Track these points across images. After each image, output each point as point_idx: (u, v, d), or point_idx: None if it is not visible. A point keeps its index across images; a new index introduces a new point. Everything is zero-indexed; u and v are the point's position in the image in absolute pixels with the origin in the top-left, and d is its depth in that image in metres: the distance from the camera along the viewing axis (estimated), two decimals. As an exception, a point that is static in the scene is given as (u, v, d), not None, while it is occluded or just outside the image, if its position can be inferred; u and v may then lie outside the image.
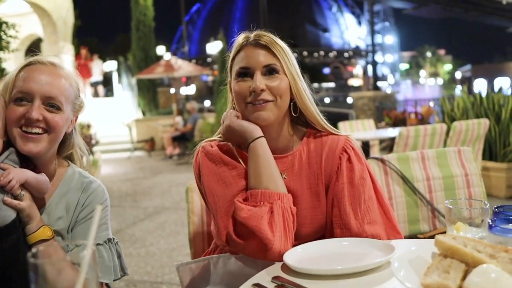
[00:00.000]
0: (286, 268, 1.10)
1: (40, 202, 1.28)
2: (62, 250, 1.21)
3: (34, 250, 0.63)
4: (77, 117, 1.40)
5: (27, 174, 1.22)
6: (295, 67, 1.39)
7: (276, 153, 1.39)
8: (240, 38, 1.41)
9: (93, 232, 0.64)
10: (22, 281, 1.19)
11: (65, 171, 1.38)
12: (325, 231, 1.40)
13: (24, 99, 1.24)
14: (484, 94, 6.31)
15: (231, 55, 1.43)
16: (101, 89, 17.73)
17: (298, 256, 1.15)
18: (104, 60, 17.16)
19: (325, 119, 1.45)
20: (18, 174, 1.20)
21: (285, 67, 1.36)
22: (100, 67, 17.38)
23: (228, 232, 1.28)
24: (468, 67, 52.84)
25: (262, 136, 1.34)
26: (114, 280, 1.35)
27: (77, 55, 14.45)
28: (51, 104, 1.25)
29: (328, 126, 1.44)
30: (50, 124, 1.25)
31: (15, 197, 1.19)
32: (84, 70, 14.80)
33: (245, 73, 1.36)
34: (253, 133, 1.34)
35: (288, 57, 1.38)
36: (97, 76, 16.99)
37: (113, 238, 1.37)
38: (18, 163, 1.24)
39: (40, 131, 1.24)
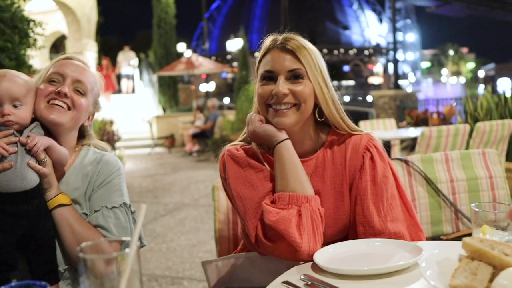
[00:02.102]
0: (316, 267, 1.13)
1: (58, 174, 1.40)
2: (81, 218, 1.37)
3: (83, 244, 0.67)
4: (93, 114, 1.55)
5: (51, 141, 1.35)
6: (322, 72, 1.39)
7: (301, 156, 1.40)
8: (268, 41, 1.42)
9: (138, 230, 0.67)
10: (44, 241, 1.32)
11: (81, 149, 1.52)
12: (348, 230, 1.41)
13: (57, 80, 1.41)
14: (508, 94, 6.21)
15: (259, 57, 1.45)
16: (127, 84, 17.10)
17: (328, 255, 1.18)
18: (122, 49, 16.91)
19: (351, 119, 1.46)
20: (43, 139, 1.33)
21: (309, 72, 1.36)
22: (130, 59, 16.84)
23: (257, 234, 1.30)
24: (491, 65, 51.82)
25: (287, 139, 1.36)
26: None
27: (99, 66, 14.40)
28: (78, 88, 1.42)
29: (351, 129, 1.44)
30: (75, 102, 1.41)
31: (39, 162, 1.31)
32: (106, 82, 14.55)
33: (270, 77, 1.38)
34: (278, 137, 1.36)
35: (315, 62, 1.38)
36: (126, 69, 16.67)
37: (130, 205, 1.47)
38: (43, 135, 1.37)
39: (65, 106, 1.39)
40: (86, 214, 1.41)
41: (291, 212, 1.25)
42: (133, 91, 17.44)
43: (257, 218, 1.32)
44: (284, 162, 1.33)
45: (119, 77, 16.92)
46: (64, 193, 1.37)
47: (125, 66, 16.54)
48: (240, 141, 1.52)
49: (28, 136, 1.31)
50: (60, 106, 1.38)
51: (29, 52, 4.64)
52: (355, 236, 1.36)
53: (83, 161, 1.47)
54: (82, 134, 1.55)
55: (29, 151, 1.30)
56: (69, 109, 1.40)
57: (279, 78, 1.35)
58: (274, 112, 1.36)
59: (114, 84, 11.64)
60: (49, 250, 1.33)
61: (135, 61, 17.02)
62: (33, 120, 1.38)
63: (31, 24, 4.58)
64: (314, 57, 1.38)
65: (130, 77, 16.84)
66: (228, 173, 1.41)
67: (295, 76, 1.36)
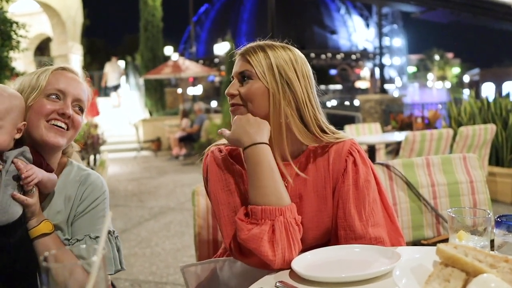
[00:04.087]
0: (293, 274, 1.12)
1: (40, 195, 1.31)
2: (64, 247, 1.29)
3: (46, 253, 0.65)
4: None
5: (44, 174, 1.27)
6: (280, 72, 1.36)
7: (284, 159, 1.40)
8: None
9: (103, 237, 0.66)
10: (28, 276, 1.24)
11: (64, 165, 1.44)
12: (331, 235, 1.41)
13: (57, 96, 1.34)
14: (491, 99, 6.30)
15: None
16: (116, 97, 16.32)
17: (306, 262, 1.17)
18: (111, 60, 16.59)
19: (328, 124, 1.43)
20: (40, 173, 1.25)
21: (259, 73, 1.35)
22: (117, 70, 16.31)
23: (230, 246, 1.29)
24: (476, 70, 52.54)
25: (262, 143, 1.29)
26: (114, 273, 1.39)
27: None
28: (78, 106, 1.38)
29: (320, 135, 1.40)
30: (75, 122, 1.36)
31: (24, 192, 1.23)
32: (90, 108, 13.86)
33: (232, 81, 1.43)
34: (253, 137, 1.29)
35: (271, 64, 1.36)
36: (114, 80, 16.08)
37: (113, 231, 1.41)
38: (31, 161, 1.27)
39: (64, 126, 1.33)
40: (68, 239, 1.34)
41: (263, 229, 1.21)
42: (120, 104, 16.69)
43: (232, 226, 1.31)
44: (257, 169, 1.27)
45: (105, 90, 16.36)
46: (47, 220, 1.29)
47: (112, 78, 16.08)
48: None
49: (15, 164, 1.22)
50: (61, 127, 1.32)
51: (12, 54, 4.58)
52: (337, 240, 1.36)
53: (67, 181, 1.39)
54: None
55: (14, 179, 1.21)
56: (67, 129, 1.34)
57: (233, 81, 1.42)
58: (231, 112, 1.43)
59: (97, 109, 11.43)
60: (32, 279, 1.25)
61: (120, 73, 16.48)
62: (21, 139, 1.29)
63: (14, 26, 4.52)
64: (274, 59, 1.37)
65: (117, 88, 16.35)
66: (209, 176, 1.40)
67: (243, 77, 1.39)
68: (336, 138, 1.42)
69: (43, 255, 1.19)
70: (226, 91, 1.40)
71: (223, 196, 1.36)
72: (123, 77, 16.83)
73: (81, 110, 1.39)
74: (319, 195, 1.39)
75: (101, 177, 1.45)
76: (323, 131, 1.41)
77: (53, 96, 1.33)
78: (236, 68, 1.43)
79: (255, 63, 1.37)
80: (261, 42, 1.43)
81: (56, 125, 1.31)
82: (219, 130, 1.42)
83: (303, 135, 1.38)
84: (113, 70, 16.16)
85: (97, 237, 1.34)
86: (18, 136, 1.28)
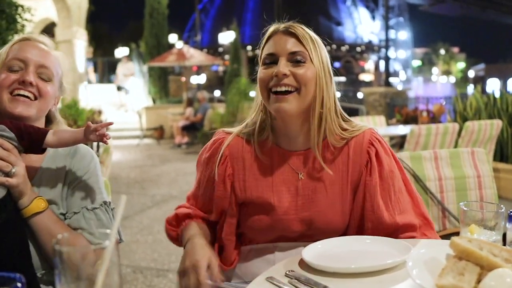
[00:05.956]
0: (303, 263, 1.11)
1: (31, 171, 1.29)
2: (61, 221, 1.27)
3: (59, 236, 0.64)
4: (59, 98, 1.45)
5: (22, 165, 1.22)
6: (324, 63, 1.34)
7: (297, 147, 1.38)
8: (270, 28, 1.38)
9: (117, 222, 0.65)
10: (19, 256, 1.22)
11: None
12: (349, 226, 1.38)
13: (18, 67, 1.29)
14: (497, 95, 6.26)
15: (261, 45, 1.39)
16: (124, 98, 15.81)
17: (316, 252, 1.16)
18: (116, 46, 16.26)
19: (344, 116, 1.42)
20: (14, 161, 1.20)
21: (313, 56, 1.31)
22: (128, 70, 15.88)
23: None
24: (481, 66, 52.22)
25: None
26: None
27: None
28: (43, 74, 1.31)
29: (342, 128, 1.38)
30: (41, 91, 1.30)
31: (6, 174, 1.19)
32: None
33: (271, 60, 1.33)
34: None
35: (318, 48, 1.34)
36: (124, 82, 15.67)
37: (109, 202, 1.38)
38: (14, 138, 1.23)
39: (31, 96, 1.28)
40: (64, 214, 1.32)
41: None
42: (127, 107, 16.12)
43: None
44: None
45: (118, 88, 16.05)
46: (40, 197, 1.25)
47: (122, 79, 15.77)
48: (245, 126, 1.45)
49: (1, 146, 1.18)
50: (26, 97, 1.27)
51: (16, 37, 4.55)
52: (361, 232, 1.34)
53: (56, 155, 1.36)
54: (49, 120, 1.43)
55: None
56: (35, 98, 1.29)
57: (280, 60, 1.30)
58: (274, 98, 1.30)
59: None
60: (22, 262, 1.22)
61: (130, 74, 16.03)
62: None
63: (19, 9, 4.49)
64: (317, 46, 1.34)
65: (127, 92, 15.93)
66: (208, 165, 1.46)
67: (297, 59, 1.31)
68: (353, 128, 1.39)
69: (51, 237, 1.20)
70: (276, 71, 1.28)
71: (198, 188, 1.49)
72: (133, 79, 16.30)
73: (48, 79, 1.32)
74: (334, 190, 1.36)
75: (90, 150, 1.43)
76: (345, 122, 1.40)
77: (15, 67, 1.28)
78: (283, 46, 1.32)
79: (310, 46, 1.32)
80: (301, 25, 1.36)
81: (20, 95, 1.27)
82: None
83: (335, 126, 1.35)
84: (124, 71, 15.81)
85: (95, 208, 1.32)
86: None
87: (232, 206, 1.40)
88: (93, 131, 1.27)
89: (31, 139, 1.25)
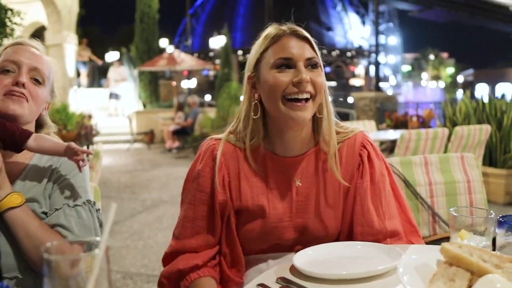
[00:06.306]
0: (294, 270, 1.10)
1: (18, 167, 1.31)
2: (37, 218, 1.26)
3: (48, 244, 0.63)
4: (50, 103, 1.46)
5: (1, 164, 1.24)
6: (322, 67, 1.33)
7: (292, 153, 1.36)
8: (272, 30, 1.31)
9: (107, 229, 0.64)
10: None
11: None
12: (340, 232, 1.37)
13: (11, 69, 1.31)
14: (486, 100, 6.32)
15: (262, 46, 1.30)
16: (116, 104, 15.49)
17: (307, 258, 1.15)
18: (106, 50, 16.25)
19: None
20: None
21: (321, 62, 1.30)
22: (120, 75, 15.69)
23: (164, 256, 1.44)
24: (470, 71, 52.82)
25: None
26: None
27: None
28: (36, 76, 1.33)
29: (337, 131, 1.38)
30: (32, 93, 1.31)
31: None
32: None
33: (287, 64, 1.25)
34: None
35: (320, 55, 1.32)
36: (116, 87, 15.39)
37: (94, 202, 1.37)
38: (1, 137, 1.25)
39: (24, 96, 1.29)
40: (46, 213, 1.30)
41: None
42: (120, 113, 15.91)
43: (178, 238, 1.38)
44: None
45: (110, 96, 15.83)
46: (17, 193, 1.25)
47: (114, 84, 15.55)
48: (230, 132, 1.41)
49: None
50: (19, 96, 1.29)
51: (6, 42, 4.52)
52: (350, 237, 1.33)
53: (42, 155, 1.37)
54: (39, 124, 1.44)
55: None
56: (26, 100, 1.30)
57: (299, 65, 1.24)
58: (293, 105, 1.23)
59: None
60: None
61: (122, 79, 15.82)
62: None
63: (9, 13, 4.46)
64: (319, 50, 1.33)
65: (119, 97, 15.73)
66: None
67: (312, 65, 1.27)
68: (346, 130, 1.39)
69: (27, 234, 1.19)
70: (301, 77, 1.22)
71: (191, 207, 1.38)
72: (125, 84, 16.09)
73: (40, 81, 1.34)
74: (328, 193, 1.35)
75: None
76: (338, 126, 1.40)
77: (8, 70, 1.30)
78: (301, 51, 1.26)
79: (318, 51, 1.30)
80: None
81: (14, 94, 1.28)
82: None
83: (332, 130, 1.34)
84: (115, 76, 15.65)
85: (77, 205, 1.31)
86: None
87: (231, 213, 1.37)
88: (73, 153, 1.30)
89: (13, 139, 1.27)
